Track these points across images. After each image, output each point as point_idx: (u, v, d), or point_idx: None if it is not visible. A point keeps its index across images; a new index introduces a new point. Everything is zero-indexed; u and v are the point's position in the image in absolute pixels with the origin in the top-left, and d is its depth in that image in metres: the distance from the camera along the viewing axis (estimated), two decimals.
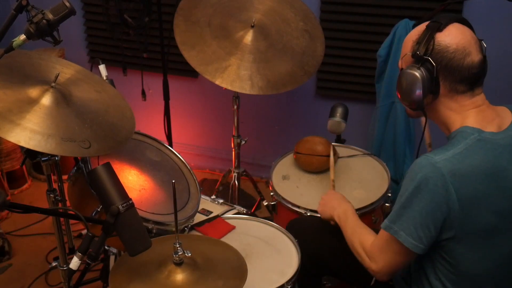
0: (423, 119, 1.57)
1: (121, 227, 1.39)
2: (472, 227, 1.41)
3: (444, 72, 1.42)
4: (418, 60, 1.43)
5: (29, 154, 1.65)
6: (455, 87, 1.44)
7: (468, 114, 1.46)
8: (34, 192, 3.32)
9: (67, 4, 1.50)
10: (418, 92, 1.43)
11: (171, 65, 3.14)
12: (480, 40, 1.46)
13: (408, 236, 1.42)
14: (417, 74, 1.42)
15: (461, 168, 1.37)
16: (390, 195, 2.22)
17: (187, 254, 1.45)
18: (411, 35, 1.49)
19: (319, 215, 1.92)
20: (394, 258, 1.50)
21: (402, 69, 1.50)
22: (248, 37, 2.42)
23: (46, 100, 1.56)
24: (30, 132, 1.45)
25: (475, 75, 1.43)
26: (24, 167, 3.34)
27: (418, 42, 1.44)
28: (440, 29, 1.42)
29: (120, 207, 1.38)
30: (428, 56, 1.42)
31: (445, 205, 1.37)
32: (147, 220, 1.75)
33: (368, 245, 1.57)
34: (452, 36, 1.42)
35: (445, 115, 1.49)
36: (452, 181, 1.36)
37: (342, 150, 2.46)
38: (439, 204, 1.38)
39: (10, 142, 1.45)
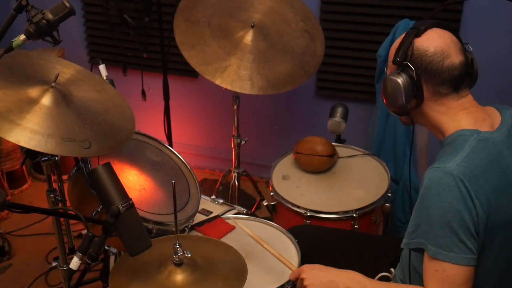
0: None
1: (121, 227, 1.39)
2: (497, 224, 1.39)
3: (425, 75, 1.44)
4: (399, 66, 1.46)
5: (29, 154, 1.65)
6: (438, 89, 1.45)
7: (458, 117, 1.46)
8: (34, 192, 3.32)
9: (67, 4, 1.50)
10: (400, 97, 1.45)
11: (171, 65, 3.14)
12: (463, 43, 1.48)
13: (459, 253, 1.35)
14: (397, 79, 1.44)
15: (473, 170, 1.36)
16: (390, 195, 2.22)
17: (187, 254, 1.45)
18: (395, 44, 1.52)
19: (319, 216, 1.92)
20: (461, 287, 1.37)
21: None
22: (248, 37, 2.41)
23: (46, 100, 1.56)
24: (30, 132, 1.44)
25: (457, 76, 1.43)
26: (24, 167, 3.34)
27: (398, 49, 1.47)
28: (418, 34, 1.45)
29: (120, 207, 1.38)
30: (408, 61, 1.44)
31: (474, 209, 1.34)
32: (147, 220, 1.75)
33: None
34: (430, 40, 1.44)
35: (435, 120, 1.49)
36: (469, 185, 1.34)
37: (342, 150, 2.46)
38: (469, 210, 1.34)
39: (10, 142, 1.45)
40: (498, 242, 1.42)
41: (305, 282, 1.52)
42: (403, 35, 1.50)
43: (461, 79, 1.45)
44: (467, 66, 1.46)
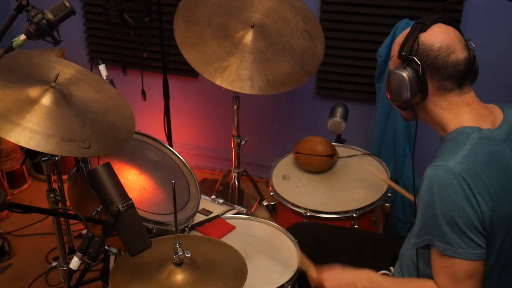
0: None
1: (121, 227, 1.39)
2: (500, 220, 1.39)
3: (430, 70, 1.44)
4: (404, 60, 1.46)
5: (29, 154, 1.65)
6: (443, 85, 1.45)
7: (461, 113, 1.46)
8: (34, 192, 3.32)
9: (67, 4, 1.50)
10: (406, 91, 1.45)
11: (171, 65, 3.14)
12: (466, 40, 1.48)
13: (468, 249, 1.36)
14: (403, 73, 1.44)
15: (474, 167, 1.37)
16: (390, 195, 2.22)
17: (187, 254, 1.45)
18: (398, 39, 1.52)
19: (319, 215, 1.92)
20: (470, 281, 1.39)
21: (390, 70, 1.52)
22: (248, 37, 2.41)
23: (46, 100, 1.56)
24: (30, 132, 1.45)
25: (461, 72, 1.44)
26: (24, 167, 3.34)
27: (403, 43, 1.47)
28: (423, 29, 1.46)
29: (120, 207, 1.38)
30: (413, 56, 1.44)
31: (477, 206, 1.35)
32: (147, 220, 1.75)
33: None
34: (436, 35, 1.44)
35: (437, 115, 1.49)
36: (471, 182, 1.35)
37: (342, 150, 2.46)
38: (473, 207, 1.35)
39: (10, 142, 1.45)
40: (500, 237, 1.43)
41: (325, 284, 1.61)
42: (407, 30, 1.49)
43: (465, 75, 1.45)
44: (470, 62, 1.46)
